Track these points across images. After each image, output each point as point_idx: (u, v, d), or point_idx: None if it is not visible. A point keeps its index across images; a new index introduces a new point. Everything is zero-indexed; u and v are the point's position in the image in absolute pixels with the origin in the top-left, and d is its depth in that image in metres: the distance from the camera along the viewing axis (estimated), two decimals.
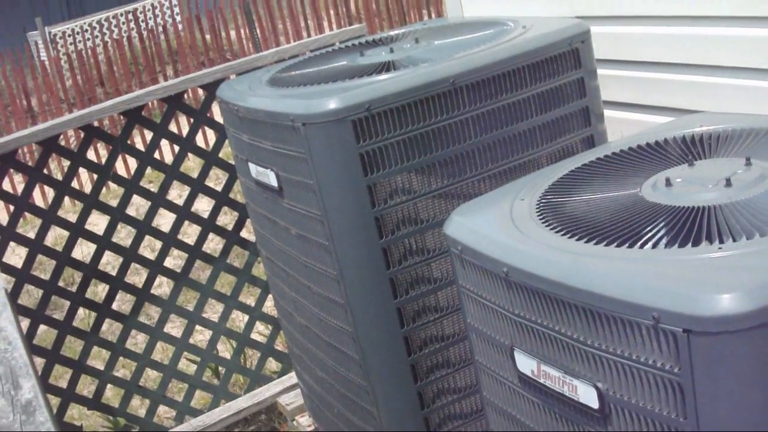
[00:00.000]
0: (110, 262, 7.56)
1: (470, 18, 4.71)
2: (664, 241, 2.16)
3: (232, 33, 14.60)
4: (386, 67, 3.45)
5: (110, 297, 5.24)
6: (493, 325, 2.48)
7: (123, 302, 7.14)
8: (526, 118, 3.35)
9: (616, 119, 4.36)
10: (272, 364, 5.97)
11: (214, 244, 7.40)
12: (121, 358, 5.45)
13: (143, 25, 17.15)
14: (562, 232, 2.33)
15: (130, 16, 17.83)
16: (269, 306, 5.93)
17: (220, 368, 5.81)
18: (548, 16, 3.88)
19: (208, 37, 14.25)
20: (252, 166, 3.63)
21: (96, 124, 5.11)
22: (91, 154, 11.55)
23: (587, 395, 2.16)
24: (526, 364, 2.36)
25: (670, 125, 3.06)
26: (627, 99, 4.57)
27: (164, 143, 9.94)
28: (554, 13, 4.46)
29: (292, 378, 5.39)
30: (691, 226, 2.18)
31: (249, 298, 6.07)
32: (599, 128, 3.56)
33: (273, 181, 3.45)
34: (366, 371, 3.33)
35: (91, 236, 5.12)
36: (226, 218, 7.78)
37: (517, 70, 3.31)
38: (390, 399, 3.35)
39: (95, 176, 5.23)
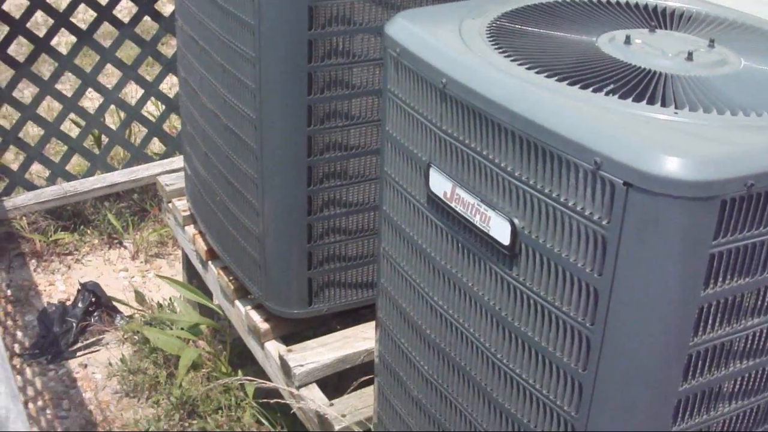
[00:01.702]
0: (12, 9, 7.26)
1: None
2: (617, 94, 2.03)
3: None
4: None
5: (7, 40, 5.01)
6: (413, 138, 2.35)
7: (20, 48, 6.89)
8: None
9: None
10: (155, 146, 5.83)
11: (125, 13, 7.15)
12: (5, 106, 5.25)
13: None
14: (512, 58, 2.18)
15: None
16: (165, 87, 5.78)
17: (103, 137, 5.63)
18: None
19: None
20: None
21: None
22: None
23: (500, 229, 2.05)
24: (440, 184, 2.24)
25: None
26: None
27: None
28: None
29: (173, 163, 5.28)
30: (646, 87, 2.06)
31: (147, 75, 5.87)
32: None
33: None
34: (261, 163, 3.18)
35: None
36: None
37: None
38: (277, 196, 3.23)
39: None
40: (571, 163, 1.85)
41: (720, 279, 1.85)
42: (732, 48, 2.35)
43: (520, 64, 2.15)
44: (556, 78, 2.07)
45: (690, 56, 2.23)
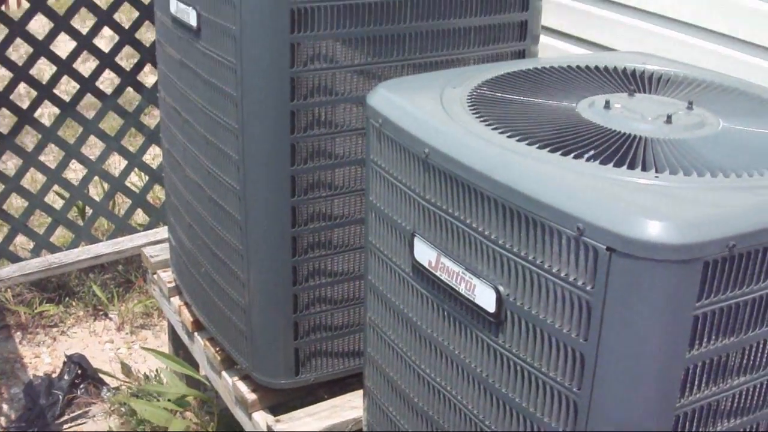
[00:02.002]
0: None
1: None
2: (597, 160, 2.05)
3: None
4: None
5: None
6: (397, 207, 2.36)
7: (2, 119, 6.91)
8: (464, 15, 3.22)
9: (546, 45, 4.24)
10: (139, 217, 5.83)
11: (107, 84, 7.18)
12: None
13: None
14: (494, 126, 2.20)
15: None
16: (148, 158, 5.80)
17: (87, 209, 5.64)
18: None
19: None
20: (173, 2, 3.43)
21: None
22: None
23: (485, 297, 2.06)
24: (424, 253, 2.25)
25: (611, 56, 2.98)
26: (563, 28, 4.44)
27: None
28: None
29: (157, 234, 5.27)
30: (626, 151, 2.08)
31: (130, 145, 5.89)
32: (532, 49, 3.47)
33: (192, 20, 3.27)
34: (245, 234, 3.19)
35: None
36: (122, 62, 7.55)
37: None
38: (263, 267, 3.23)
39: None
40: (554, 230, 1.87)
41: (705, 340, 1.86)
42: (710, 109, 2.38)
43: (501, 133, 2.17)
44: (537, 145, 2.09)
45: (669, 119, 2.25)
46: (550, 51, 4.25)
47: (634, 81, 2.64)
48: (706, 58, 3.66)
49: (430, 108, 2.34)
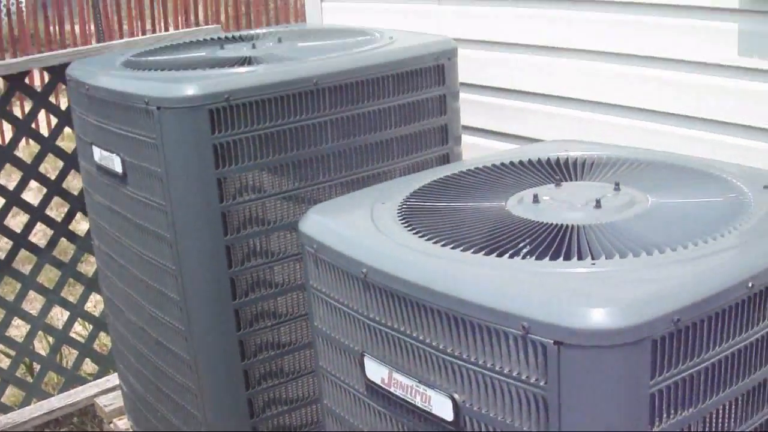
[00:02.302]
0: None
1: (336, 25, 4.60)
2: (533, 255, 2.07)
3: (77, 27, 14.18)
4: (247, 61, 3.33)
5: None
6: (343, 329, 2.36)
7: None
8: (384, 128, 3.28)
9: (471, 144, 4.29)
10: (88, 366, 5.77)
11: (40, 236, 7.14)
12: None
13: None
14: (427, 237, 2.22)
15: None
16: (90, 305, 5.76)
17: (34, 365, 5.57)
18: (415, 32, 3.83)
19: (51, 29, 13.84)
20: (96, 150, 3.45)
21: None
22: None
23: (441, 406, 2.06)
24: (376, 371, 2.24)
25: (534, 148, 3.02)
26: (485, 125, 4.49)
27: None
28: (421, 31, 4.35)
29: (108, 381, 5.21)
30: (560, 242, 2.11)
31: (70, 295, 5.84)
32: (455, 150, 3.53)
33: (117, 166, 3.29)
34: (196, 373, 3.18)
35: None
36: (52, 212, 7.52)
37: (381, 79, 3.25)
38: (219, 404, 3.21)
39: None
40: (500, 332, 1.88)
41: (665, 415, 1.87)
42: (638, 187, 2.43)
43: (435, 242, 2.18)
44: (472, 250, 2.11)
45: (598, 203, 2.30)
46: (474, 149, 4.28)
47: (559, 170, 2.68)
48: (632, 134, 3.72)
49: (363, 227, 2.36)
